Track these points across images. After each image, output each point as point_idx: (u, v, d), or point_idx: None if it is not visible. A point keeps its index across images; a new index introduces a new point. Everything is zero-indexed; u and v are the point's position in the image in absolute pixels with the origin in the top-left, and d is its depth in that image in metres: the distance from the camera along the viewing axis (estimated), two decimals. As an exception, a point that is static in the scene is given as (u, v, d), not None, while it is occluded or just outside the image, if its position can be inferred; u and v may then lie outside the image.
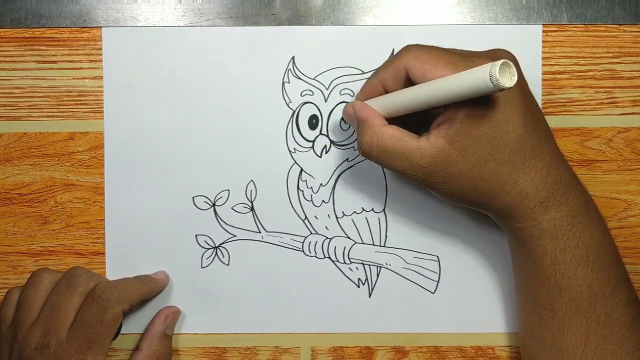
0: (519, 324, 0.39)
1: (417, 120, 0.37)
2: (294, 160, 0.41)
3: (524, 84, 0.34)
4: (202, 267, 0.42)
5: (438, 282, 0.42)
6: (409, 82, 0.34)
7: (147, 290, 0.40)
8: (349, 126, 0.41)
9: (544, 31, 0.41)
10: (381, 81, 0.36)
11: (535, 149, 0.33)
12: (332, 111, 0.41)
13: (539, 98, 0.41)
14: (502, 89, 0.29)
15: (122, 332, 0.41)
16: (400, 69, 0.34)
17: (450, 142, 0.33)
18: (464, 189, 0.34)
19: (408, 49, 0.35)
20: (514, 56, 0.34)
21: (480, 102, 0.32)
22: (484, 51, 0.34)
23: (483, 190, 0.34)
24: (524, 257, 0.36)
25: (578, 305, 0.34)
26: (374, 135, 0.35)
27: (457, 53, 0.34)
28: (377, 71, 0.36)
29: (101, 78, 0.41)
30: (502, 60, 0.29)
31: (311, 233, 0.42)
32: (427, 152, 0.33)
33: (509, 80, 0.29)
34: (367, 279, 0.42)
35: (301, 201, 0.42)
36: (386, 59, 0.40)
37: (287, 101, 0.41)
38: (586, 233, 0.34)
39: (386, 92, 0.36)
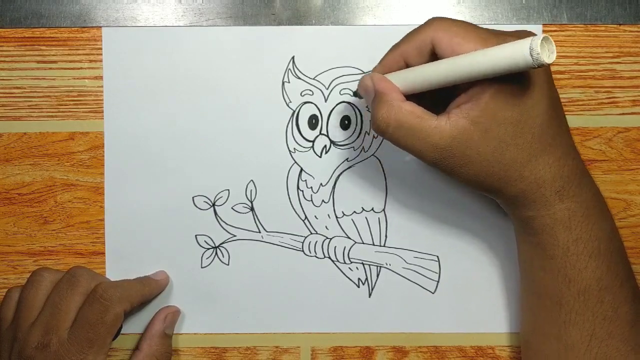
0: (522, 319, 0.39)
1: (430, 99, 0.35)
2: (294, 160, 0.41)
3: (549, 71, 0.33)
4: (202, 267, 0.42)
5: (438, 282, 0.42)
6: (433, 56, 0.33)
7: (147, 291, 0.40)
8: (349, 126, 0.41)
9: (544, 31, 0.41)
10: (403, 54, 0.34)
11: (555, 137, 0.33)
12: (332, 111, 0.41)
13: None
14: (541, 65, 0.27)
15: (122, 332, 0.41)
16: (425, 42, 0.32)
17: (473, 123, 0.31)
18: (481, 173, 0.33)
19: (434, 21, 0.33)
20: None
21: (509, 83, 0.31)
22: (510, 31, 0.33)
23: (500, 175, 0.33)
24: (533, 248, 0.35)
25: (586, 299, 0.33)
26: (391, 110, 0.33)
27: (486, 30, 0.32)
28: (399, 44, 0.34)
29: (101, 78, 0.41)
30: (543, 35, 0.28)
31: (311, 233, 0.42)
32: (447, 132, 0.32)
33: (547, 56, 0.28)
34: (367, 279, 0.42)
35: (301, 201, 0.42)
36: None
37: (287, 101, 0.41)
38: (598, 225, 0.34)
39: (407, 66, 0.34)
